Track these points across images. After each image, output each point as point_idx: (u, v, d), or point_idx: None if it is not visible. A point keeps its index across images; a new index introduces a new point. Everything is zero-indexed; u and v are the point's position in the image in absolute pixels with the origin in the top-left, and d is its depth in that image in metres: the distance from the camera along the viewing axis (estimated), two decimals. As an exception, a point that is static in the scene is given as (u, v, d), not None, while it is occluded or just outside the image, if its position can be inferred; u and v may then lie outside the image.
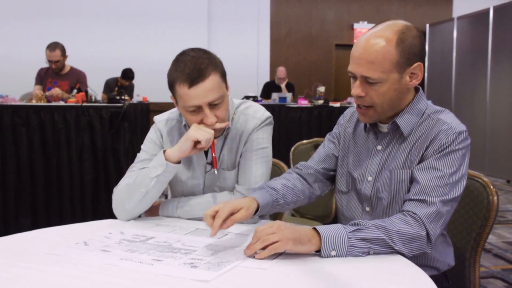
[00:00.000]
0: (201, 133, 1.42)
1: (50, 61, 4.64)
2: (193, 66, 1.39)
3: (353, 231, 1.18)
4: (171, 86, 1.45)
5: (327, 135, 1.60)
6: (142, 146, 1.64)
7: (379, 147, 1.41)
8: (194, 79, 1.38)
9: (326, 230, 1.17)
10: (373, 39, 1.28)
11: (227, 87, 1.50)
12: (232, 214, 1.25)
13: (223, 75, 1.47)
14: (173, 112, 1.67)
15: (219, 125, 1.46)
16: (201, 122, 1.45)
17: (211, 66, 1.41)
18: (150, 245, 1.24)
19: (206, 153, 1.59)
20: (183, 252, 1.19)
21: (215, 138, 1.48)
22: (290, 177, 1.52)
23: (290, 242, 1.14)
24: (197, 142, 1.43)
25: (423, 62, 1.32)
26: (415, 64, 1.30)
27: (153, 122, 1.69)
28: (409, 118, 1.35)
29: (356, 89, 1.32)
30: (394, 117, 1.37)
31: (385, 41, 1.26)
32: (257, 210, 1.34)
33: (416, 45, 1.29)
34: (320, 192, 1.57)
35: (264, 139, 1.58)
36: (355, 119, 1.53)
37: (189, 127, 1.49)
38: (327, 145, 1.57)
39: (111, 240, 1.29)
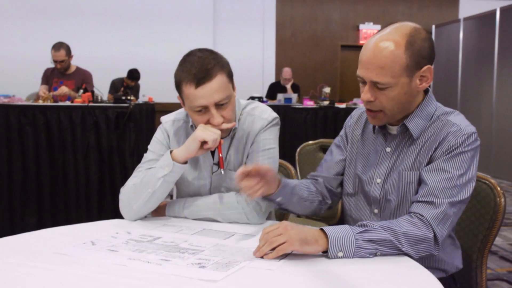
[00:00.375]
0: (208, 133, 1.42)
1: (55, 61, 4.66)
2: (200, 66, 1.39)
3: (360, 232, 1.17)
4: (178, 86, 1.45)
5: (334, 141, 1.61)
6: (149, 147, 1.65)
7: (388, 149, 1.40)
8: (200, 79, 1.38)
9: (333, 231, 1.17)
10: (381, 43, 1.26)
11: (233, 88, 1.50)
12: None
13: (230, 75, 1.47)
14: (179, 113, 1.67)
15: (225, 126, 1.46)
16: (207, 123, 1.45)
17: (217, 66, 1.41)
18: (157, 245, 1.24)
19: (213, 153, 1.59)
20: (190, 252, 1.19)
21: (221, 138, 1.48)
22: (303, 181, 1.56)
23: (296, 243, 1.14)
24: (203, 143, 1.43)
25: (433, 64, 1.31)
26: (425, 67, 1.29)
27: (159, 123, 1.69)
28: (418, 121, 1.35)
29: (365, 94, 1.31)
30: (403, 119, 1.36)
31: (394, 46, 1.25)
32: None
33: (425, 48, 1.28)
34: (332, 202, 1.58)
35: (270, 139, 1.58)
36: (364, 121, 1.52)
37: (195, 127, 1.50)
38: (334, 152, 1.58)
39: (118, 240, 1.29)
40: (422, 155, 1.33)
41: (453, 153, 1.28)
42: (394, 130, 1.40)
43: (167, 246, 1.24)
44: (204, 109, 1.43)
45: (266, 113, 1.60)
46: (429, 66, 1.29)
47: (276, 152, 1.60)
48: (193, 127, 1.56)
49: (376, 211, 1.42)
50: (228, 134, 1.56)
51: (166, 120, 1.67)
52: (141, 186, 1.49)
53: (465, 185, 1.27)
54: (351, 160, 1.51)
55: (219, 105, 1.43)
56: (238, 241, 1.28)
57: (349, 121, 1.59)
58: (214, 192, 1.60)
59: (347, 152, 1.54)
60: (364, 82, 1.32)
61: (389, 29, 1.29)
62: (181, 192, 1.68)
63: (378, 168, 1.41)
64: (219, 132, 1.43)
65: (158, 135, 1.65)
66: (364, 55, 1.30)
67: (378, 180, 1.40)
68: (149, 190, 1.47)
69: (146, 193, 1.48)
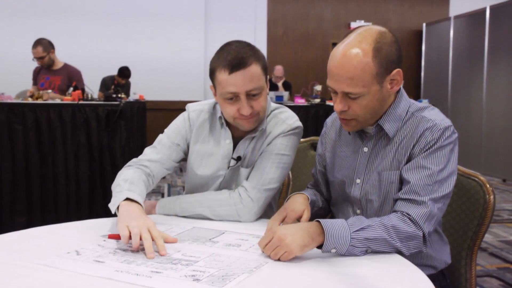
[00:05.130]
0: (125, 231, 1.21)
1: (35, 58, 4.61)
2: (236, 53, 1.40)
3: (357, 230, 1.17)
4: (212, 73, 1.46)
5: (316, 155, 1.63)
6: (166, 129, 1.64)
7: (366, 149, 1.40)
8: (235, 65, 1.38)
9: (330, 227, 1.16)
10: (349, 53, 1.25)
11: (267, 83, 1.49)
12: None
13: (265, 69, 1.46)
14: (206, 104, 1.66)
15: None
16: (237, 112, 1.44)
17: (253, 56, 1.42)
18: None
19: (234, 147, 1.58)
20: (183, 263, 1.10)
21: (249, 130, 1.51)
22: (313, 190, 1.60)
23: (295, 250, 1.12)
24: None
25: (401, 67, 1.30)
26: (394, 71, 1.28)
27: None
28: (392, 119, 1.34)
29: (338, 104, 1.31)
30: (378, 120, 1.36)
31: (362, 55, 1.23)
32: None
33: (392, 52, 1.27)
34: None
35: (287, 146, 1.55)
36: (339, 124, 1.52)
37: (224, 118, 1.52)
38: (317, 166, 1.62)
39: (105, 249, 1.20)
40: (400, 154, 1.33)
41: (431, 149, 1.28)
42: (370, 129, 1.39)
43: (159, 256, 1.15)
44: (235, 97, 1.42)
45: (291, 120, 1.58)
46: (398, 69, 1.29)
47: (289, 160, 1.57)
48: (222, 118, 1.56)
49: (358, 211, 1.43)
50: (255, 127, 1.53)
51: (194, 109, 1.65)
52: (114, 186, 1.46)
53: (446, 180, 1.28)
54: (331, 165, 1.52)
55: (250, 95, 1.42)
56: (235, 251, 1.20)
57: (324, 129, 1.60)
58: (224, 186, 1.60)
59: (325, 162, 1.56)
60: (336, 92, 1.31)
61: (354, 36, 1.28)
62: (190, 181, 1.66)
63: (357, 169, 1.41)
64: (148, 238, 1.20)
65: (180, 122, 1.64)
66: (332, 66, 1.28)
67: (358, 181, 1.41)
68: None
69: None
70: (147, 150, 1.61)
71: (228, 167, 1.58)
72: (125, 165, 1.58)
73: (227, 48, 1.43)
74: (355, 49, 1.24)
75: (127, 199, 1.36)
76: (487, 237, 3.93)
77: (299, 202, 1.41)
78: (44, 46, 4.57)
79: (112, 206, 1.38)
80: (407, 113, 1.35)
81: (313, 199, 1.49)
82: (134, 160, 1.58)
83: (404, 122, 1.35)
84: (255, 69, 1.41)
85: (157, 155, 1.58)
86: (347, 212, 1.47)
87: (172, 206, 1.54)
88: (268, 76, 1.50)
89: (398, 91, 1.37)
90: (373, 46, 1.24)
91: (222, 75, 1.40)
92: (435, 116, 1.32)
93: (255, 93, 1.42)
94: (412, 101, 1.39)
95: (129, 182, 1.45)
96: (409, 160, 1.31)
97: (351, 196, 1.43)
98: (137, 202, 1.37)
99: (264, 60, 1.47)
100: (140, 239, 1.19)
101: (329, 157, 1.54)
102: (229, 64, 1.39)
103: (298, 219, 1.38)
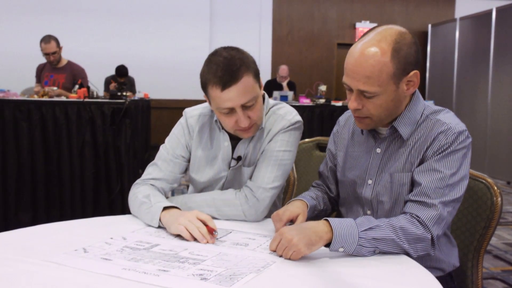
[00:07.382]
0: (182, 229, 1.30)
1: (47, 54, 4.60)
2: (226, 68, 1.36)
3: (365, 230, 1.17)
4: (204, 87, 1.43)
5: (327, 149, 1.63)
6: (166, 140, 1.63)
7: (379, 150, 1.39)
8: (226, 82, 1.35)
9: (339, 226, 1.16)
10: (367, 51, 1.23)
11: (260, 86, 1.47)
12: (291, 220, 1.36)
13: (256, 75, 1.44)
14: (204, 107, 1.65)
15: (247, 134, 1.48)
16: (235, 124, 1.43)
17: (243, 67, 1.38)
18: (155, 254, 1.16)
19: (233, 148, 1.58)
20: (191, 262, 1.10)
21: (251, 136, 1.51)
22: (314, 191, 1.59)
23: (303, 249, 1.13)
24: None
25: (419, 69, 1.29)
26: (412, 73, 1.27)
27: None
28: (407, 122, 1.34)
29: (352, 102, 1.30)
30: (392, 121, 1.35)
31: (380, 54, 1.22)
32: None
33: (411, 54, 1.25)
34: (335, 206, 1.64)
35: (288, 142, 1.55)
36: (352, 124, 1.52)
37: (220, 123, 1.52)
38: (327, 163, 1.61)
39: (112, 247, 1.20)
40: (413, 156, 1.32)
41: (444, 152, 1.27)
42: (383, 131, 1.39)
43: (166, 254, 1.15)
44: (231, 111, 1.41)
45: (290, 115, 1.57)
46: (415, 71, 1.27)
47: (291, 155, 1.56)
48: (217, 121, 1.55)
49: (368, 212, 1.42)
50: (255, 133, 1.53)
51: (192, 114, 1.64)
52: (136, 207, 1.49)
53: (458, 184, 1.27)
54: (342, 164, 1.52)
55: (246, 107, 1.41)
56: (241, 250, 1.21)
57: (337, 127, 1.60)
58: (228, 187, 1.60)
59: (336, 160, 1.55)
60: (351, 90, 1.30)
61: (373, 34, 1.26)
62: (195, 183, 1.66)
63: (369, 169, 1.41)
64: (202, 226, 1.29)
65: (178, 132, 1.63)
66: (349, 63, 1.27)
67: (370, 182, 1.40)
68: (138, 216, 1.49)
69: (137, 215, 1.49)
70: (149, 168, 1.61)
71: (229, 168, 1.59)
72: (133, 185, 1.59)
73: (215, 60, 1.39)
74: (373, 48, 1.23)
75: (164, 209, 1.40)
76: (492, 240, 3.91)
77: (296, 206, 1.41)
78: (56, 41, 4.63)
79: (151, 221, 1.41)
80: (421, 115, 1.34)
81: (312, 204, 1.48)
82: (138, 181, 1.59)
83: (419, 124, 1.34)
84: (247, 80, 1.38)
85: (159, 173, 1.59)
86: (357, 212, 1.46)
87: (179, 205, 1.54)
88: (260, 82, 1.47)
89: (414, 93, 1.36)
90: (392, 46, 1.23)
91: (215, 92, 1.38)
92: (450, 119, 1.31)
93: (250, 104, 1.41)
94: (426, 103, 1.38)
95: (151, 195, 1.48)
96: (421, 162, 1.30)
97: (362, 197, 1.42)
98: (173, 207, 1.41)
99: (255, 65, 1.44)
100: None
101: (340, 157, 1.53)
102: (220, 80, 1.36)
103: (292, 221, 1.38)
